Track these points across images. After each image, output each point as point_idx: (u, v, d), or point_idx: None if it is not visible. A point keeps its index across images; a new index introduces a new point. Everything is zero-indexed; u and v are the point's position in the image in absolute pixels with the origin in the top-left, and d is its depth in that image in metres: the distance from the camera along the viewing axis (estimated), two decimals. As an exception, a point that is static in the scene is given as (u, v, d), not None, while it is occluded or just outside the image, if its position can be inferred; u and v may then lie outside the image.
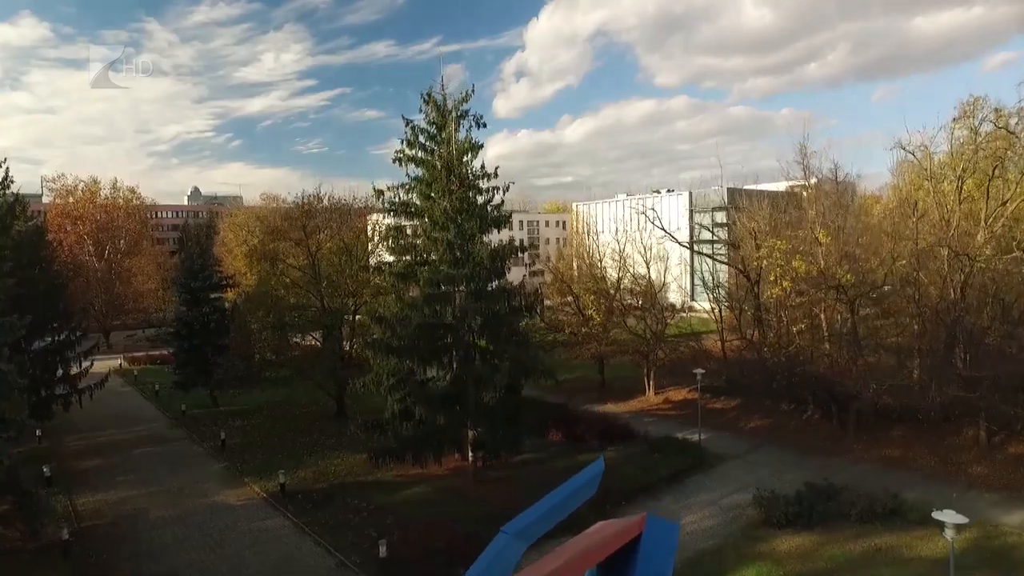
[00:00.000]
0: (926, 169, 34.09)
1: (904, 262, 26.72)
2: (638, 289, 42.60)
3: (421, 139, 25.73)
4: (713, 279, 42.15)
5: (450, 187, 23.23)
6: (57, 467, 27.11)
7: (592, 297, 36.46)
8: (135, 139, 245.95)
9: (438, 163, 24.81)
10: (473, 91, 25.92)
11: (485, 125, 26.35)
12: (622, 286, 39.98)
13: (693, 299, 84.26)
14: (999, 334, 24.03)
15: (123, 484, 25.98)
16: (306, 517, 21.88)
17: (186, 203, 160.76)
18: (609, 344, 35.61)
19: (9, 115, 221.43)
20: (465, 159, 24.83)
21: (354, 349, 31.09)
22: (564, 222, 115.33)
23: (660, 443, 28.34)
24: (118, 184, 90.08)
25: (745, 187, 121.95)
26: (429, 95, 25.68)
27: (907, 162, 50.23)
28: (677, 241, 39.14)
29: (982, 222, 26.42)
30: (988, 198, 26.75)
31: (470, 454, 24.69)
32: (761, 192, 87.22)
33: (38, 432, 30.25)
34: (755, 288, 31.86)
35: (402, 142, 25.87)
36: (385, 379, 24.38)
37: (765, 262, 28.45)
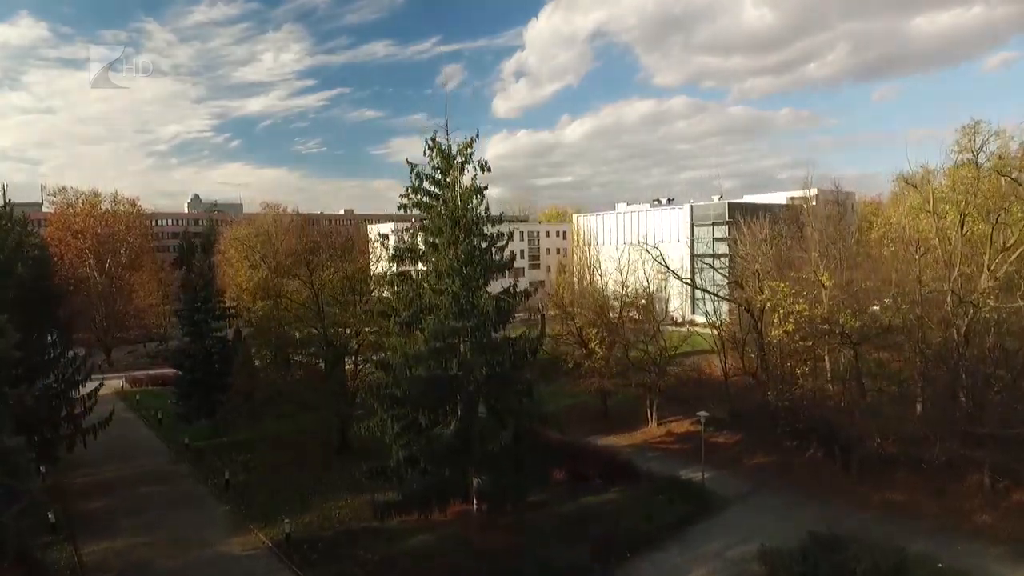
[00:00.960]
0: (928, 203, 34.10)
1: (907, 307, 26.80)
2: (640, 304, 42.76)
3: (426, 184, 25.82)
4: (715, 308, 42.20)
5: (455, 237, 23.23)
6: (61, 509, 27.08)
7: (595, 330, 36.47)
8: (134, 139, 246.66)
9: (443, 209, 24.82)
10: (478, 135, 25.94)
11: (489, 169, 26.35)
12: (624, 315, 39.96)
13: (694, 313, 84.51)
14: (1003, 382, 24.08)
15: (128, 530, 25.97)
16: (311, 571, 21.88)
17: (186, 210, 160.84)
18: (611, 378, 35.65)
19: (8, 115, 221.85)
20: (471, 205, 24.82)
21: (359, 388, 31.04)
22: (564, 232, 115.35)
23: (664, 485, 28.40)
24: (119, 197, 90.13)
25: (746, 197, 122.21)
26: (434, 140, 25.75)
27: (909, 177, 50.29)
28: (680, 279, 39.10)
29: (985, 268, 26.47)
30: (991, 243, 26.78)
31: (474, 502, 24.75)
32: (763, 207, 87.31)
33: (42, 469, 30.24)
34: (758, 324, 31.91)
35: (407, 189, 25.96)
36: (390, 426, 24.42)
37: (768, 304, 28.51)
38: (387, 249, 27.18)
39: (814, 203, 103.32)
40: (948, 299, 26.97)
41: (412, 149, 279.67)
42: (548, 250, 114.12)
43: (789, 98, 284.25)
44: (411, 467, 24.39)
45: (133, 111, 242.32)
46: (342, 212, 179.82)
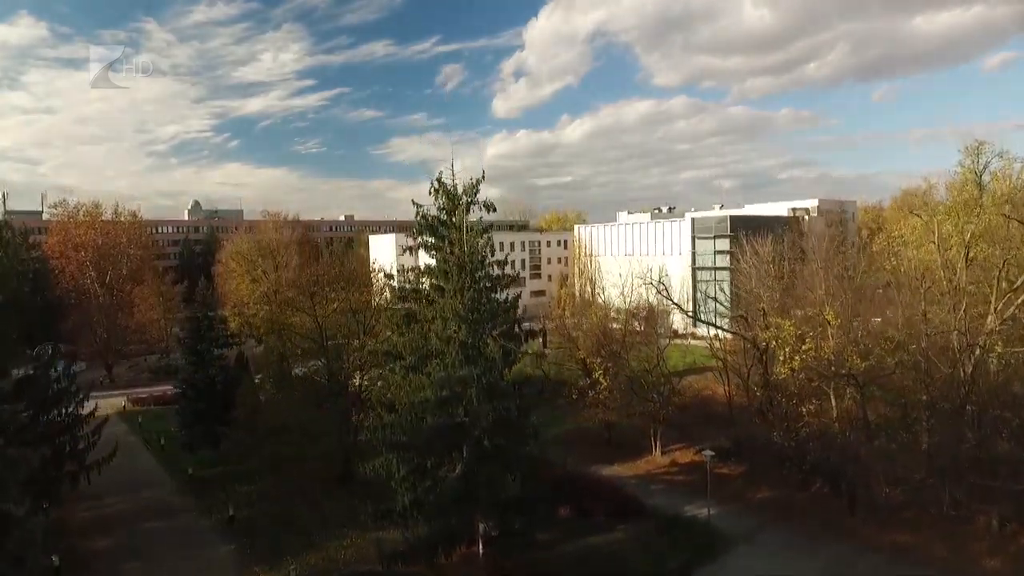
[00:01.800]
0: (933, 234, 34.01)
1: (915, 346, 26.79)
2: (641, 316, 42.62)
3: (432, 225, 25.83)
4: (718, 334, 42.08)
5: (462, 284, 23.15)
6: (64, 547, 26.96)
7: (599, 360, 36.34)
8: (133, 139, 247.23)
9: (449, 252, 24.74)
10: (484, 176, 25.92)
11: (495, 209, 26.50)
12: (626, 339, 39.77)
13: (695, 325, 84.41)
14: (1011, 427, 24.00)
15: (131, 573, 25.87)
16: (318, 621, 21.81)
17: (187, 217, 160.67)
18: (613, 409, 35.55)
19: (7, 115, 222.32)
20: (478, 245, 24.72)
21: (362, 422, 30.95)
22: (565, 241, 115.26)
23: (669, 523, 28.35)
24: (120, 209, 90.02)
25: (747, 207, 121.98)
26: (440, 182, 25.74)
27: (911, 193, 49.71)
28: (684, 311, 38.96)
29: (992, 309, 26.40)
30: (998, 283, 26.70)
31: (480, 546, 24.68)
32: (765, 221, 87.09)
33: (44, 504, 30.10)
34: (763, 356, 31.82)
35: (413, 232, 26.00)
36: (395, 470, 24.30)
37: (774, 342, 28.47)
38: (392, 288, 27.10)
39: (815, 214, 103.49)
40: (954, 338, 26.92)
41: (412, 149, 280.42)
42: (549, 259, 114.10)
43: (789, 98, 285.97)
44: (417, 510, 24.29)
45: (132, 111, 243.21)
46: (342, 218, 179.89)
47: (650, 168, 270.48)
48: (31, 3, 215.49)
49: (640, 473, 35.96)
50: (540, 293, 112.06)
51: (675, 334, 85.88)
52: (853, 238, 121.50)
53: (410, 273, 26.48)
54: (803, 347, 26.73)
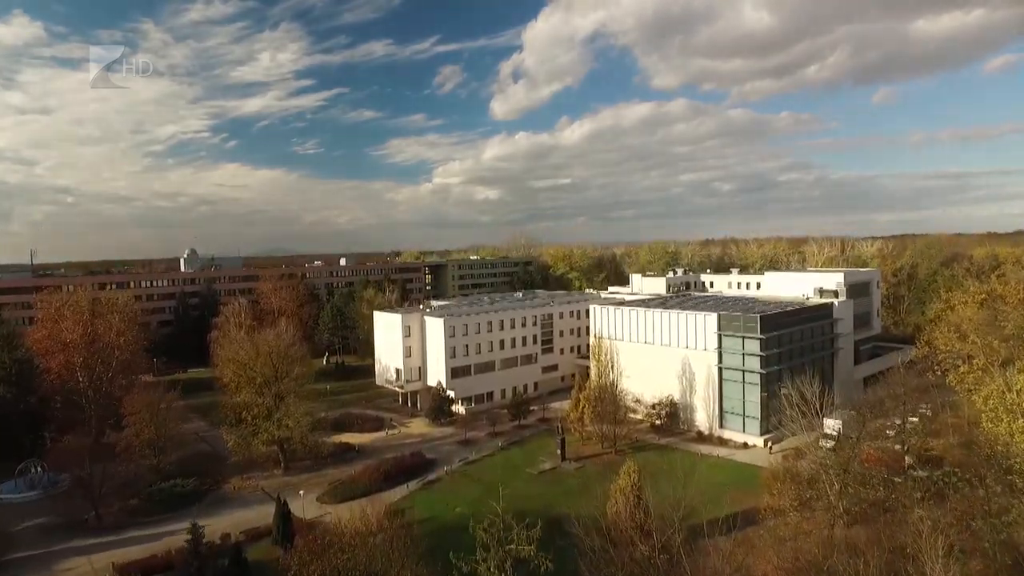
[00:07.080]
0: None
1: None
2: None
3: None
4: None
5: None
6: None
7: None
8: (131, 139, 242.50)
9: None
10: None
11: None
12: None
13: (722, 427, 79.33)
14: None
15: None
16: None
17: (182, 268, 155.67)
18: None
19: (2, 115, 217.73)
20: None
21: None
22: (579, 312, 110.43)
23: None
24: (112, 303, 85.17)
25: (767, 274, 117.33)
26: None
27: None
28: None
29: None
30: None
31: None
32: (795, 321, 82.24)
33: None
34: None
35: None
36: None
37: None
38: None
39: (843, 296, 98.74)
40: None
41: (411, 150, 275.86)
42: (562, 332, 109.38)
43: (789, 101, 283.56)
44: None
45: (129, 111, 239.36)
46: (343, 263, 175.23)
47: (649, 170, 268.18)
48: (26, 2, 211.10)
49: None
50: (552, 368, 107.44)
51: (699, 436, 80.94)
52: (878, 306, 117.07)
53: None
54: None
